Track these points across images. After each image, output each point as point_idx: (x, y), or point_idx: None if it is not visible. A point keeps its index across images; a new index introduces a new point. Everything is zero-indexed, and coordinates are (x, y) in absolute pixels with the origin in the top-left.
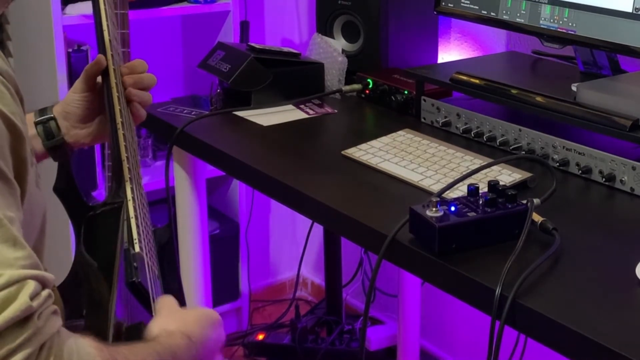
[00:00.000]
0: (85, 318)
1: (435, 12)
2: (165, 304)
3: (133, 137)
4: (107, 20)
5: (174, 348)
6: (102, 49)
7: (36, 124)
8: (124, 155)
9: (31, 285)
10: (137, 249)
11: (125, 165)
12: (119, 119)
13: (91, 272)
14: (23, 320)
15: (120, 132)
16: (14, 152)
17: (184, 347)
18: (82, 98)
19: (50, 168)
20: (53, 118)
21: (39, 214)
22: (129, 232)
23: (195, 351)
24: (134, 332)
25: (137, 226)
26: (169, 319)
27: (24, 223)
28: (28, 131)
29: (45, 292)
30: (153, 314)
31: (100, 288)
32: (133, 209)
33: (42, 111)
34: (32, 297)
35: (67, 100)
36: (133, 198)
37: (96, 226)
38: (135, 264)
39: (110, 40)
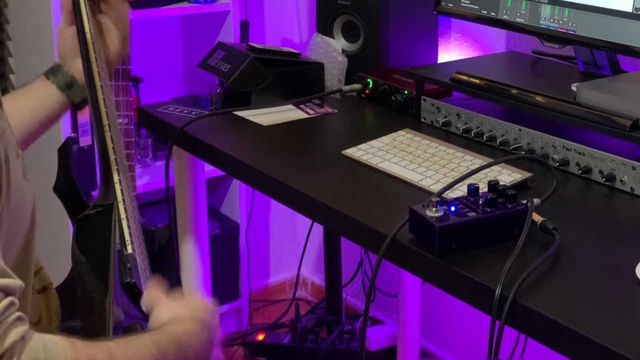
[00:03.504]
0: (82, 319)
1: (435, 12)
2: (155, 287)
3: (119, 138)
4: (88, 21)
5: (179, 334)
6: (83, 49)
7: (45, 74)
8: (112, 157)
9: None
10: (129, 250)
11: (114, 167)
12: (105, 121)
13: (87, 275)
14: None
15: (108, 135)
16: None
17: (195, 332)
18: (65, 34)
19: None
20: (59, 64)
21: (28, 207)
22: (121, 234)
23: (207, 336)
24: (132, 332)
25: (129, 227)
26: (179, 305)
27: (14, 217)
28: (6, 125)
29: (6, 301)
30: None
31: (96, 290)
32: (124, 210)
33: (50, 68)
34: None
35: (57, 47)
36: (123, 200)
37: (87, 228)
38: (128, 264)
39: (93, 42)
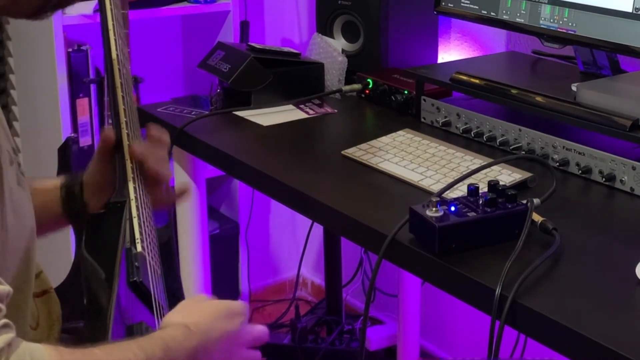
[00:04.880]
0: (85, 322)
1: (435, 12)
2: (189, 299)
3: (138, 137)
4: (113, 21)
5: (167, 339)
6: (107, 51)
7: (62, 188)
8: (127, 154)
9: None
10: (139, 248)
11: (129, 165)
12: (123, 118)
13: (94, 278)
14: None
15: (124, 132)
16: None
17: (180, 337)
18: (95, 169)
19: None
20: (82, 183)
21: (27, 213)
22: (131, 232)
23: (197, 342)
24: (135, 332)
25: (140, 226)
26: (180, 310)
27: (11, 224)
28: (1, 129)
29: None
30: (155, 314)
31: (101, 293)
32: (135, 209)
33: (73, 177)
34: None
35: (87, 171)
36: (136, 197)
37: (99, 225)
38: (136, 263)
39: (117, 42)
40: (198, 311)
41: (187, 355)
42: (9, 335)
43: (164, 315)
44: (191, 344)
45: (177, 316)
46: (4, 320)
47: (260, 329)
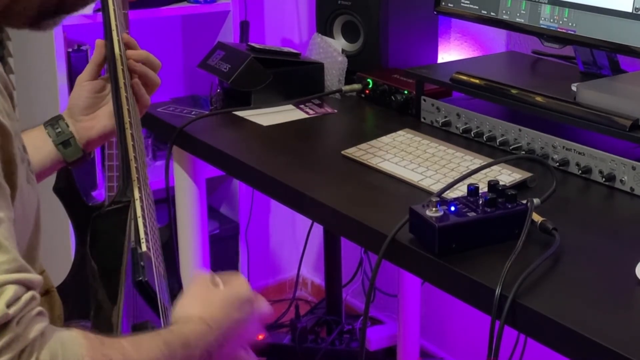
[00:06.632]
0: (92, 321)
1: (435, 12)
2: (196, 281)
3: (140, 137)
4: (116, 21)
5: (187, 334)
6: (110, 53)
7: (45, 126)
8: (131, 154)
9: (10, 291)
10: (144, 248)
11: (133, 165)
12: (127, 119)
13: (100, 278)
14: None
15: (128, 132)
16: (1, 149)
17: (200, 333)
18: (83, 88)
19: None
20: (61, 117)
21: (32, 210)
22: (136, 232)
23: (214, 337)
24: (141, 331)
25: (145, 226)
26: (193, 302)
27: (17, 220)
28: (18, 128)
29: (27, 296)
30: (160, 313)
31: (107, 293)
32: (140, 209)
33: (52, 118)
34: (10, 304)
35: (70, 97)
36: (140, 197)
37: (103, 225)
38: (142, 263)
39: (119, 40)
40: (212, 303)
41: (204, 350)
42: (42, 324)
43: (167, 316)
44: (209, 340)
45: (193, 308)
46: (39, 309)
47: (266, 308)
